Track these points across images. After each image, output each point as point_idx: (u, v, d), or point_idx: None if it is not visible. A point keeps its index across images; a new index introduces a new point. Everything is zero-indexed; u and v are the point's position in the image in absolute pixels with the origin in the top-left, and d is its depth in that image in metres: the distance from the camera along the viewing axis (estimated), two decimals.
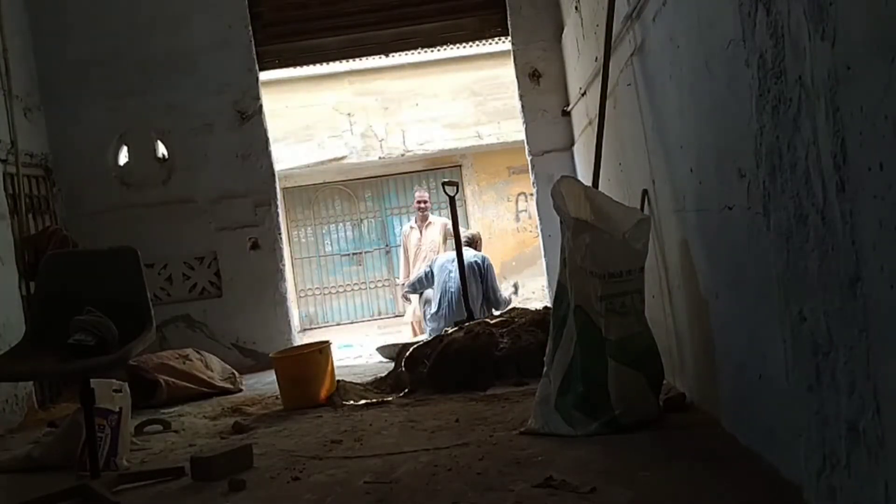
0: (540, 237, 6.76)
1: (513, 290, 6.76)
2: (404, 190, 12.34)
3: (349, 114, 10.94)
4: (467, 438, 3.31)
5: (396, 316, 11.98)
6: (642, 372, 3.13)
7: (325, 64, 7.62)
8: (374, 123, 10.95)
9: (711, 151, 2.68)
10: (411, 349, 4.90)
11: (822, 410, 1.87)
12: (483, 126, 10.92)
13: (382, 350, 6.26)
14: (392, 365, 5.15)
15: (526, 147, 6.72)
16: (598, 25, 4.40)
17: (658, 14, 3.14)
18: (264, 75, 6.75)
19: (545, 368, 3.30)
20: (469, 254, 6.42)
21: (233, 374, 5.54)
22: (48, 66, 6.34)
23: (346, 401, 4.44)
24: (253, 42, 6.55)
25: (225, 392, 5.28)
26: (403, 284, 7.39)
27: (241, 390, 5.37)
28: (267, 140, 6.57)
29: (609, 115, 4.14)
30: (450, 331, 4.95)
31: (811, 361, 1.91)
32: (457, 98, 10.90)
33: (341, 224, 12.31)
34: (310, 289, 12.12)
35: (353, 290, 12.23)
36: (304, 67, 7.77)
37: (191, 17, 6.47)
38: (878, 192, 1.49)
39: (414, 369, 4.66)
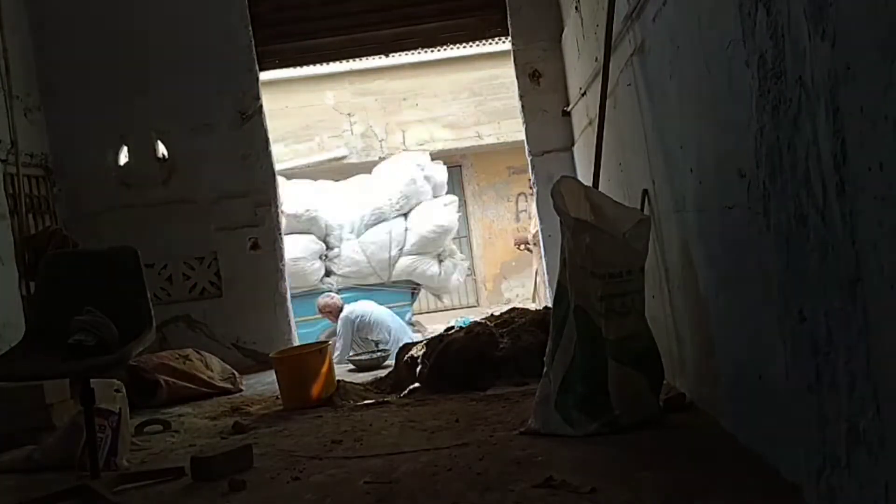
0: (540, 237, 6.77)
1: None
2: None
3: (349, 114, 10.94)
4: (467, 438, 3.31)
5: None
6: (642, 372, 3.13)
7: (325, 64, 7.63)
8: (374, 123, 10.96)
9: (711, 151, 2.68)
10: (411, 349, 4.90)
11: (822, 410, 1.87)
12: (483, 126, 10.93)
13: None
14: (391, 365, 5.15)
15: (526, 147, 6.72)
16: (598, 25, 4.40)
17: (658, 14, 3.14)
18: (264, 75, 6.75)
19: (545, 368, 3.30)
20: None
21: (233, 374, 5.54)
22: (48, 66, 6.34)
23: (346, 401, 4.45)
24: (253, 42, 6.55)
25: (225, 392, 5.28)
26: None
27: (241, 390, 5.37)
28: (267, 140, 6.57)
29: (609, 115, 4.14)
30: (450, 331, 4.95)
31: (811, 361, 1.92)
32: (457, 98, 10.91)
33: None
34: None
35: None
36: (304, 67, 7.78)
37: (191, 18, 6.46)
38: (878, 193, 1.49)
39: (414, 369, 4.66)
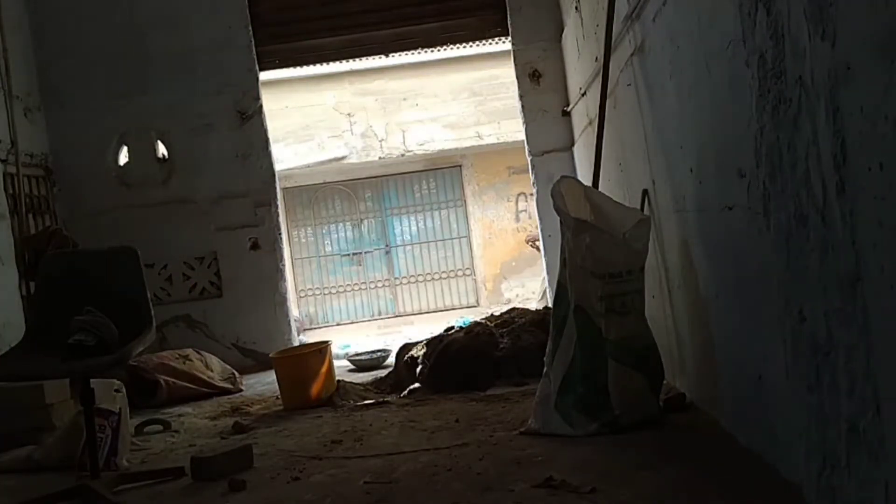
0: (540, 237, 6.77)
1: None
2: (404, 190, 12.33)
3: (349, 114, 10.93)
4: (467, 438, 3.31)
5: (396, 316, 11.99)
6: (642, 372, 3.13)
7: (325, 64, 7.62)
8: (374, 123, 10.95)
9: (711, 151, 2.68)
10: (411, 349, 4.90)
11: (822, 410, 1.87)
12: (483, 126, 10.92)
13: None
14: (390, 365, 5.15)
15: (526, 147, 6.72)
16: (598, 25, 4.40)
17: (658, 14, 3.14)
18: (264, 75, 6.75)
19: (545, 368, 3.30)
20: None
21: (233, 374, 5.54)
22: (48, 66, 6.34)
23: (346, 401, 4.44)
24: (253, 42, 6.55)
25: (225, 392, 5.28)
26: None
27: (241, 390, 5.37)
28: (267, 140, 6.58)
29: (609, 115, 4.14)
30: (450, 331, 4.95)
31: (811, 361, 1.92)
32: (457, 98, 10.90)
33: (341, 224, 12.30)
34: (310, 289, 12.11)
35: (352, 290, 12.22)
36: (304, 67, 7.77)
37: (191, 17, 6.47)
38: (878, 193, 1.49)
39: (414, 369, 4.66)
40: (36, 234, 5.55)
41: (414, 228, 12.40)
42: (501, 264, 12.22)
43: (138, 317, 3.22)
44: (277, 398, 4.69)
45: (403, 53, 7.47)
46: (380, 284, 12.27)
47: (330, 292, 12.20)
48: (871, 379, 1.61)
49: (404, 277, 12.34)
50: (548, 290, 6.80)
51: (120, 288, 3.32)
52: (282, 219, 6.92)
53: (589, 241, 3.14)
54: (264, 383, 5.46)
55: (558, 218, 3.32)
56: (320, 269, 12.20)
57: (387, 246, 12.37)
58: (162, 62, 6.43)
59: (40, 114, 6.24)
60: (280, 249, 6.56)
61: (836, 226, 1.69)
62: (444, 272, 12.30)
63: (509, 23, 6.66)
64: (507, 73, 7.62)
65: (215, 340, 6.30)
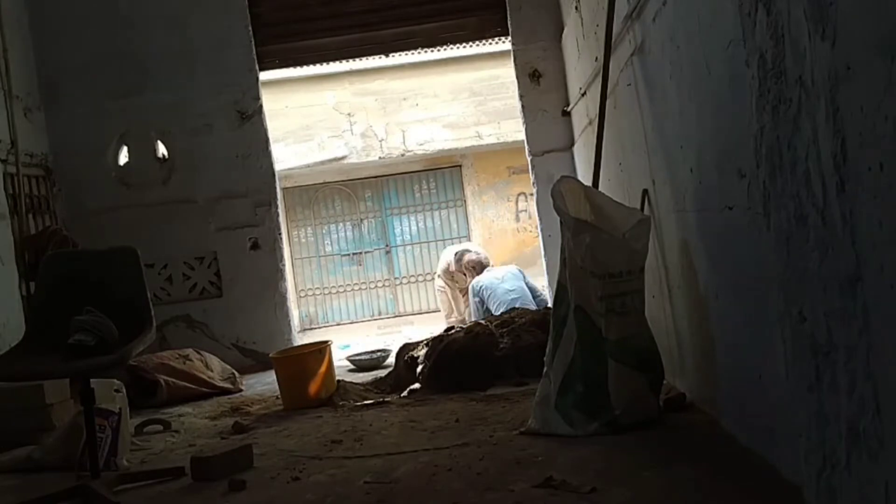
0: (540, 237, 6.77)
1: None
2: (404, 190, 12.33)
3: (349, 114, 10.93)
4: (467, 438, 3.31)
5: (396, 316, 11.98)
6: (642, 372, 3.13)
7: (325, 64, 7.63)
8: (374, 123, 10.95)
9: (711, 151, 2.68)
10: (411, 349, 4.90)
11: (822, 410, 1.87)
12: (483, 126, 10.91)
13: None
14: (390, 365, 5.15)
15: (526, 147, 6.72)
16: (598, 25, 4.40)
17: (658, 14, 3.14)
18: (264, 75, 6.75)
19: (545, 368, 3.30)
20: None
21: (233, 374, 5.54)
22: (48, 66, 6.34)
23: (346, 401, 4.44)
24: (253, 42, 6.56)
25: (225, 392, 5.28)
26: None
27: (241, 390, 5.37)
28: (267, 140, 6.58)
29: (609, 115, 4.14)
30: (450, 331, 4.95)
31: (811, 361, 1.91)
32: (457, 98, 10.89)
33: (341, 224, 12.29)
34: (310, 289, 12.11)
35: (353, 290, 12.22)
36: (304, 67, 7.78)
37: (191, 17, 6.47)
38: (878, 192, 1.49)
39: (414, 369, 4.66)
40: (36, 234, 5.55)
41: (414, 228, 12.39)
42: (501, 264, 12.20)
43: (138, 317, 3.23)
44: (277, 398, 4.69)
45: (403, 53, 7.48)
46: (380, 284, 12.26)
47: (330, 292, 12.20)
48: (871, 379, 1.61)
49: (404, 277, 12.34)
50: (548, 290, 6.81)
51: (120, 288, 3.32)
52: (282, 219, 6.92)
53: (589, 241, 3.14)
54: (264, 383, 5.47)
55: (558, 218, 3.32)
56: (320, 269, 12.20)
57: (387, 246, 12.36)
58: (162, 62, 6.43)
59: (40, 114, 6.24)
60: (280, 249, 6.56)
61: (836, 226, 1.68)
62: None
63: (509, 23, 6.65)
64: (507, 73, 7.62)
65: (215, 340, 6.31)
